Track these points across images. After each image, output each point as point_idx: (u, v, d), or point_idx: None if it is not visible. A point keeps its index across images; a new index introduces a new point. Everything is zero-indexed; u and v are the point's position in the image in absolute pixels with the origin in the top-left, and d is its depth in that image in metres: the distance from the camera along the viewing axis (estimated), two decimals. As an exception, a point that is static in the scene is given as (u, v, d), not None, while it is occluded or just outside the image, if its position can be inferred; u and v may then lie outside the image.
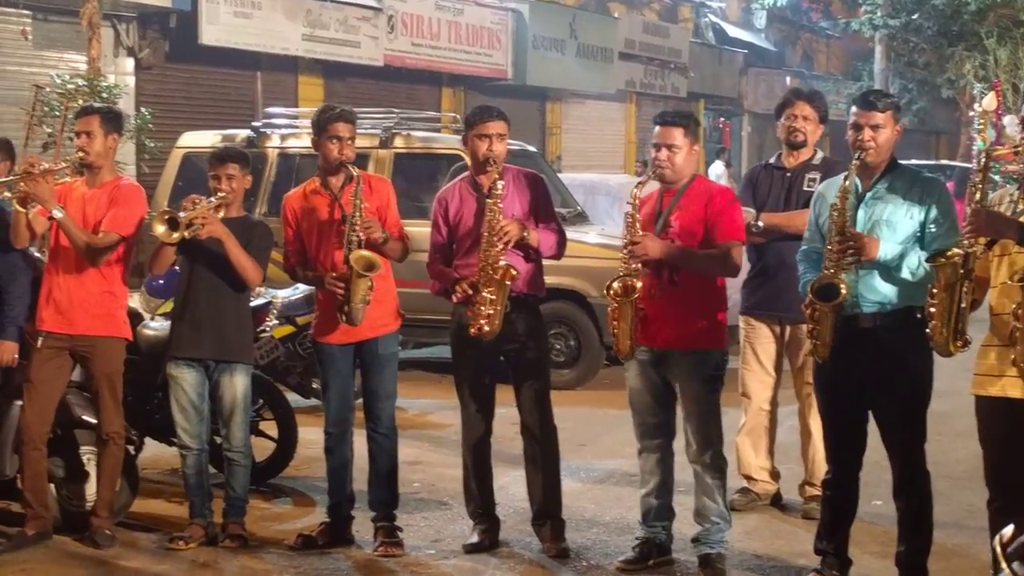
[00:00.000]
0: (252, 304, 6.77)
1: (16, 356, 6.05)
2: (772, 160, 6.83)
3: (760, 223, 6.47)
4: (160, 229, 5.77)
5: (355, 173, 5.97)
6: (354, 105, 7.18)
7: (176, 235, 5.76)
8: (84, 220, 6.00)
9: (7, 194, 5.95)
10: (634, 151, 26.66)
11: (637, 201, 5.65)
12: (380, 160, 10.84)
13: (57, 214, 5.86)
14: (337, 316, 5.89)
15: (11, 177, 6.05)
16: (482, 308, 5.70)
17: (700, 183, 5.80)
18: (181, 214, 5.79)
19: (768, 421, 6.78)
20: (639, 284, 5.54)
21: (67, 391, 6.16)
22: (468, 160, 6.39)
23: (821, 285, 5.06)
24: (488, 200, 5.76)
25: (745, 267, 6.43)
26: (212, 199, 5.98)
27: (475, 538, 6.09)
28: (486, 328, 5.72)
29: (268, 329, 7.90)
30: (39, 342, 6.00)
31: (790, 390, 6.81)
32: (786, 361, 6.74)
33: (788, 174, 6.63)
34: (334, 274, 5.87)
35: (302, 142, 11.00)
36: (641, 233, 5.57)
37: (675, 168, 5.67)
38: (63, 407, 6.15)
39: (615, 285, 5.57)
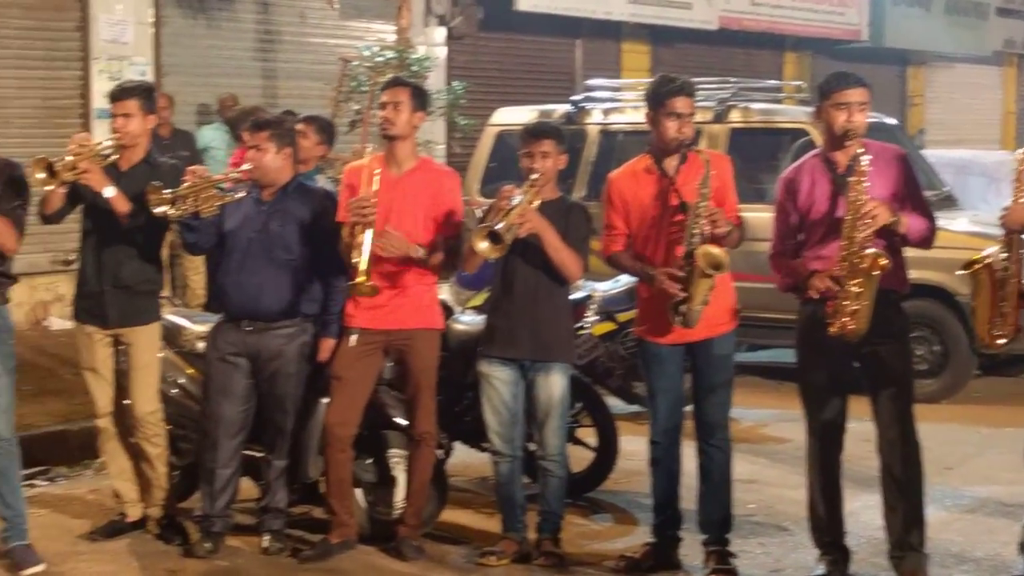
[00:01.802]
0: (570, 298, 6.87)
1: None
2: None
3: None
4: (483, 246, 5.88)
5: (706, 157, 5.95)
6: (684, 74, 7.16)
7: (500, 247, 5.88)
8: (391, 210, 6.22)
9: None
10: (1014, 124, 25.46)
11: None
12: (714, 136, 10.76)
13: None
14: (670, 316, 5.87)
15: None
16: (846, 303, 5.57)
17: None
18: (499, 225, 5.86)
19: None
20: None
21: (377, 389, 6.44)
22: (816, 135, 6.24)
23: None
24: (851, 179, 5.61)
25: None
26: (525, 191, 6.05)
27: (821, 570, 5.97)
28: (851, 326, 5.57)
29: (587, 326, 7.98)
30: (352, 339, 6.28)
31: None
32: None
33: None
34: (669, 269, 5.86)
35: (626, 117, 11.09)
36: None
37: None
38: (372, 406, 6.41)
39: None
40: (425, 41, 15.42)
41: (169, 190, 6.05)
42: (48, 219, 6.42)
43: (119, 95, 6.43)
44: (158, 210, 6.04)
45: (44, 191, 6.21)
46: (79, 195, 6.34)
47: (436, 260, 6.23)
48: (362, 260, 5.97)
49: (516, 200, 5.98)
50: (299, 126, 7.67)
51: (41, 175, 6.05)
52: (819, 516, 6.00)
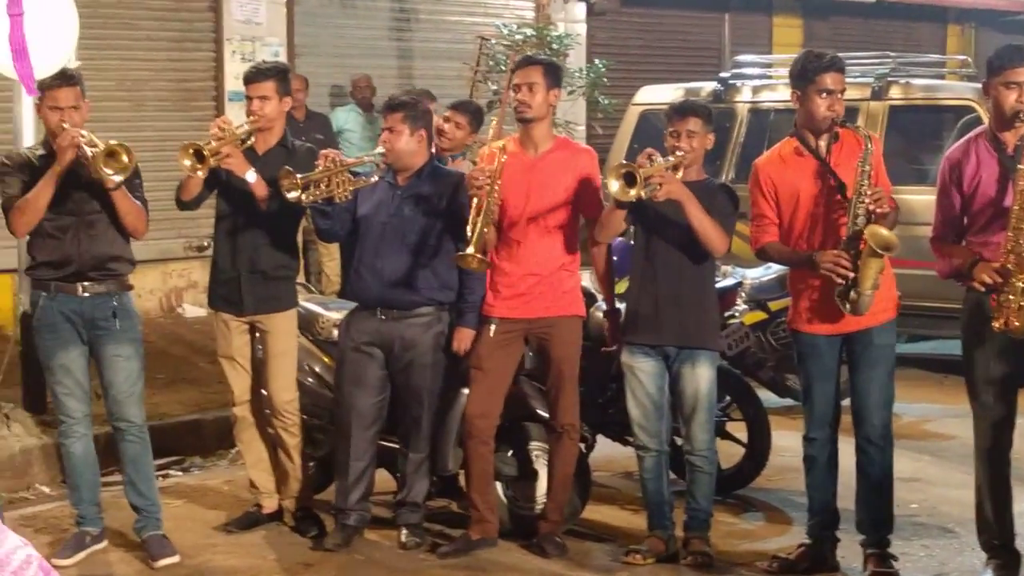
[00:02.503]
0: (719, 286, 6.82)
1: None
2: None
3: None
4: (615, 186, 5.86)
5: (865, 133, 5.86)
6: (839, 49, 7.06)
7: (633, 192, 5.85)
8: (530, 192, 6.23)
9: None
10: None
11: None
12: (872, 114, 10.58)
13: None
14: (839, 304, 5.78)
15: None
16: (1011, 298, 5.44)
17: None
18: (640, 170, 5.86)
19: None
20: None
21: (517, 380, 6.45)
22: (983, 113, 6.10)
23: None
24: (1021, 167, 5.47)
25: None
26: (669, 158, 6.04)
27: (988, 575, 5.84)
28: (1016, 323, 5.45)
29: (737, 315, 7.92)
30: (491, 329, 6.32)
31: None
32: None
33: None
34: (836, 252, 5.77)
35: (778, 95, 10.95)
36: None
37: None
38: (513, 398, 6.44)
39: None
40: (565, 18, 15.41)
41: (302, 174, 6.13)
42: (186, 205, 6.55)
43: (255, 77, 6.52)
44: (291, 195, 6.13)
45: (185, 177, 6.34)
46: (215, 180, 6.46)
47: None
48: (474, 234, 5.99)
49: (658, 161, 5.96)
50: (448, 113, 7.72)
51: (188, 161, 6.16)
52: (987, 517, 5.87)
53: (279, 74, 6.59)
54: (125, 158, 5.91)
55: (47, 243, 6.24)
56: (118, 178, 5.95)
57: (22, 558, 3.19)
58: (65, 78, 5.96)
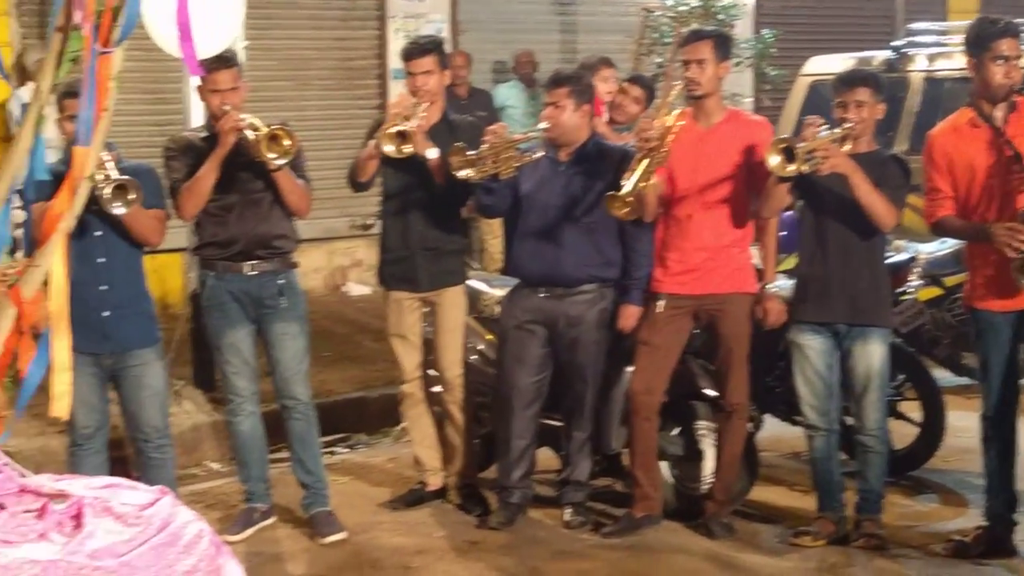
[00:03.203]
0: (891, 261, 6.70)
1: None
2: None
3: None
4: (774, 160, 5.79)
5: None
6: (1019, 14, 6.88)
7: (792, 167, 5.77)
8: (699, 165, 6.20)
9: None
10: None
11: None
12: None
13: None
14: (1015, 278, 5.64)
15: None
16: None
17: None
18: (799, 144, 5.80)
19: None
20: None
21: (684, 358, 6.44)
22: None
23: None
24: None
25: None
26: (836, 130, 5.96)
27: None
28: None
29: (911, 291, 7.78)
30: (659, 305, 6.30)
31: None
32: None
33: None
34: (1010, 224, 5.61)
35: (953, 63, 10.69)
36: None
37: None
38: (680, 375, 6.41)
39: None
40: (731, -13, 15.22)
41: (471, 151, 6.18)
42: (362, 186, 6.65)
43: (415, 52, 6.58)
44: (461, 173, 6.18)
45: (363, 158, 6.43)
46: (382, 159, 6.54)
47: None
48: (630, 182, 5.97)
49: (823, 133, 5.88)
50: (625, 86, 7.70)
51: (391, 146, 6.24)
52: None
53: (437, 47, 6.64)
54: (287, 142, 6.02)
55: (213, 223, 6.38)
56: (280, 162, 6.06)
57: (194, 532, 3.32)
58: (223, 60, 6.08)
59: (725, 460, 6.38)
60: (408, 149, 6.30)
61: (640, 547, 6.26)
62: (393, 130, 6.27)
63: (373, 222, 10.14)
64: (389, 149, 6.28)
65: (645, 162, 5.97)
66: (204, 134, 6.35)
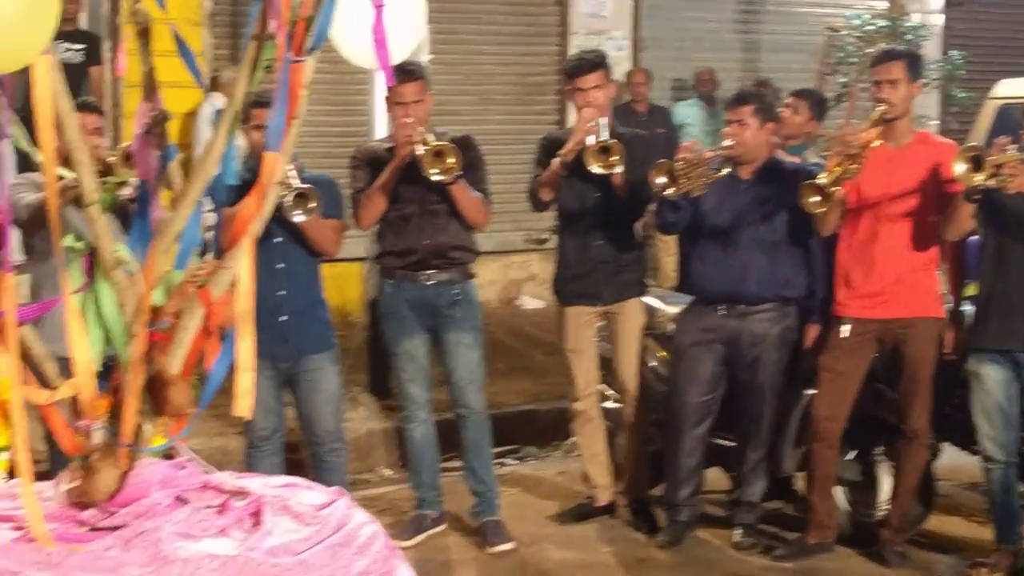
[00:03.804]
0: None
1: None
2: None
3: None
4: (960, 168, 5.67)
5: None
6: None
7: (979, 177, 5.64)
8: (888, 185, 6.10)
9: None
10: None
11: None
12: None
13: None
14: None
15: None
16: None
17: None
18: (988, 157, 5.64)
19: None
20: None
21: (864, 382, 6.32)
22: None
23: None
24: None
25: None
26: None
27: None
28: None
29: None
30: (844, 330, 6.20)
31: None
32: None
33: None
34: None
35: None
36: None
37: None
38: (861, 400, 6.30)
39: None
40: (920, 8, 14.95)
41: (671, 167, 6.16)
42: (544, 206, 6.69)
43: (585, 68, 6.56)
44: (667, 192, 6.17)
45: (548, 175, 6.46)
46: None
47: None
48: (826, 177, 5.93)
49: (1013, 152, 5.73)
50: (790, 100, 7.62)
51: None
52: None
53: (603, 62, 6.65)
54: (450, 160, 6.04)
55: (392, 233, 6.48)
56: (440, 178, 6.08)
57: (369, 533, 3.36)
58: (408, 73, 6.15)
59: (903, 487, 6.26)
60: (616, 163, 6.29)
61: (811, 571, 6.18)
62: (596, 147, 6.28)
63: (548, 237, 10.19)
64: (597, 169, 6.29)
65: (839, 169, 5.92)
66: (388, 145, 6.45)
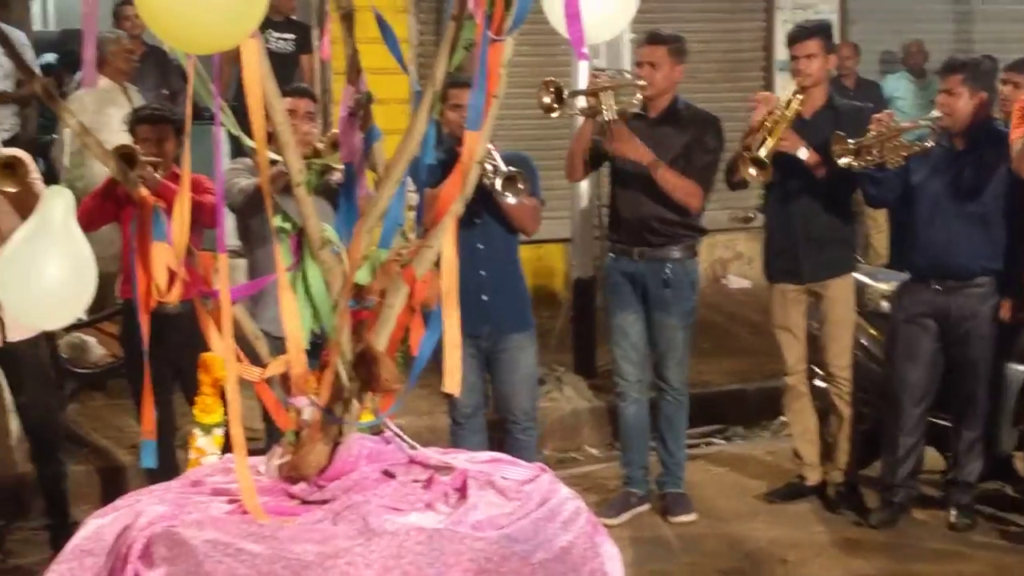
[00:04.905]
0: None
1: None
2: None
3: None
4: None
5: None
6: None
7: None
8: None
9: None
10: None
11: None
12: None
13: None
14: None
15: None
16: None
17: None
18: None
19: None
20: None
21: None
22: None
23: None
24: None
25: None
26: None
27: None
28: None
29: None
30: None
31: None
32: None
33: None
34: None
35: None
36: None
37: None
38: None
39: None
40: None
41: (853, 140, 6.05)
42: (740, 185, 6.63)
43: (799, 35, 6.50)
44: (842, 161, 6.07)
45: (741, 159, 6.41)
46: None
47: None
48: None
49: None
50: (1005, 75, 7.39)
51: (751, 171, 6.25)
52: None
53: (823, 31, 6.55)
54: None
55: (615, 204, 6.58)
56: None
57: (572, 509, 3.37)
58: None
59: None
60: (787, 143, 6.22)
61: (1029, 554, 6.00)
62: (763, 152, 6.22)
63: (754, 215, 10.05)
64: (752, 172, 6.23)
65: None
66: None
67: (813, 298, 6.63)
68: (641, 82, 6.36)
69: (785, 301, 6.65)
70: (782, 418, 7.17)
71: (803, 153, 6.30)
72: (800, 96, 6.34)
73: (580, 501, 3.43)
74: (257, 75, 3.10)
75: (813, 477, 6.76)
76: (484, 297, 6.02)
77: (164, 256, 3.27)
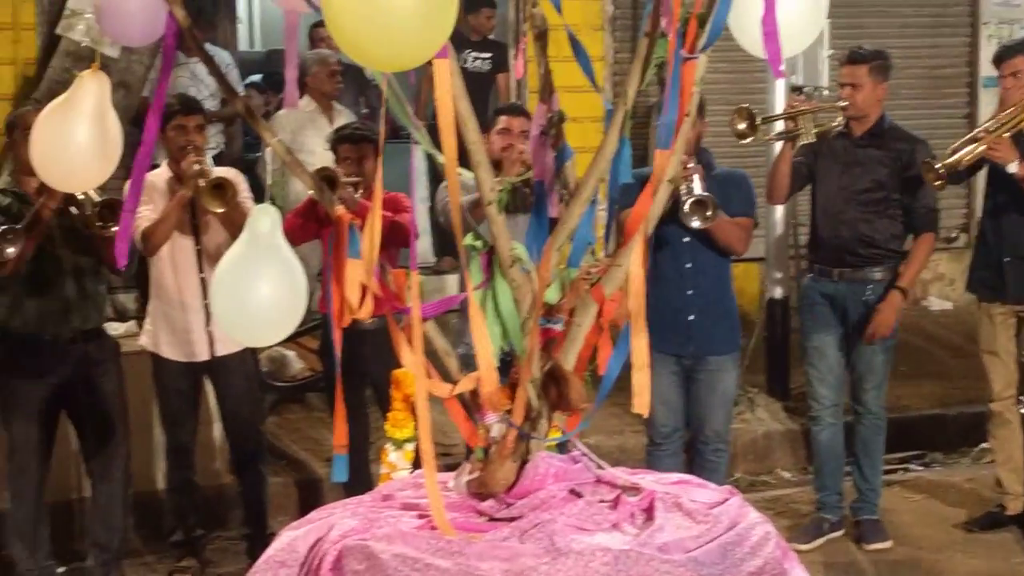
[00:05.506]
0: None
1: None
2: None
3: None
4: None
5: None
6: None
7: None
8: None
9: None
10: None
11: None
12: None
13: None
14: None
15: None
16: None
17: None
18: None
19: None
20: None
21: None
22: None
23: None
24: None
25: None
26: None
27: None
28: None
29: None
30: None
31: None
32: None
33: None
34: None
35: None
36: None
37: None
38: None
39: None
40: None
41: None
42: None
43: (1005, 54, 6.34)
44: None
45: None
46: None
47: None
48: None
49: None
50: None
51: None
52: None
53: None
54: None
55: (815, 224, 6.48)
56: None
57: (761, 533, 3.31)
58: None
59: None
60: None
61: None
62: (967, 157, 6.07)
63: (956, 235, 9.83)
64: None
65: None
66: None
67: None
68: (842, 103, 6.25)
69: (992, 324, 6.47)
70: (983, 445, 6.96)
71: (1013, 168, 6.11)
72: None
73: (770, 525, 3.38)
74: (448, 93, 3.12)
75: (1014, 507, 6.56)
76: (691, 317, 5.97)
77: (356, 273, 3.31)
